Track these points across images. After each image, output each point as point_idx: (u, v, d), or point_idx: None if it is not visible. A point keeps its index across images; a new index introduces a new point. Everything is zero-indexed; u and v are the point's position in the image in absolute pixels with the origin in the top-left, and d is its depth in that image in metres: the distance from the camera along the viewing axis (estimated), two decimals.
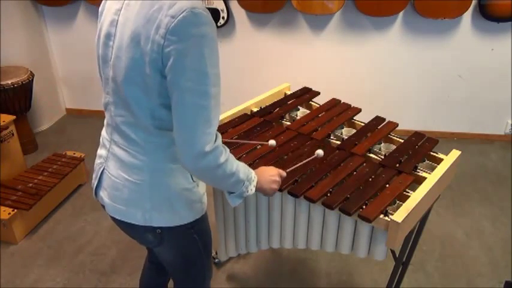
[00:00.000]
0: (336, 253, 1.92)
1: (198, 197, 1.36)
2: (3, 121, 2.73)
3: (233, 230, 2.05)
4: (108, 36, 1.20)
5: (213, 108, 1.12)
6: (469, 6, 2.98)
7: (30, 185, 2.73)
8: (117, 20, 1.17)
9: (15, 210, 2.51)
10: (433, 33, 3.21)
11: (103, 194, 1.36)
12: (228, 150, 1.22)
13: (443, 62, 3.31)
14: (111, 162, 1.31)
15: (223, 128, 1.95)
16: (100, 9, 1.28)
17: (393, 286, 1.88)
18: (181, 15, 1.06)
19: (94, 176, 1.39)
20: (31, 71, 3.26)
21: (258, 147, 1.84)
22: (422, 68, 3.35)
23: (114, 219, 1.38)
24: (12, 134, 2.82)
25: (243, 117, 2.05)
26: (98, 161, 1.38)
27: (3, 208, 2.52)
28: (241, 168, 1.26)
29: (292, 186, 1.61)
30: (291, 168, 1.58)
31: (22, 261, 2.44)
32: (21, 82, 3.12)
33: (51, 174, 2.84)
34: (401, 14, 3.17)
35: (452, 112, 3.49)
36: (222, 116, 2.04)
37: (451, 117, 3.51)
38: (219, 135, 1.18)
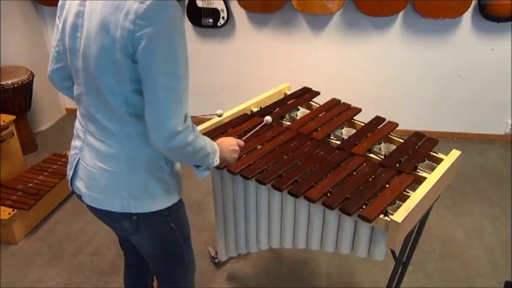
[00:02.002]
0: (336, 253, 1.92)
1: (173, 182, 1.39)
2: (3, 121, 2.73)
3: (233, 230, 2.05)
4: (75, 28, 1.22)
5: (183, 89, 1.18)
6: (469, 6, 2.97)
7: (30, 185, 2.73)
8: (83, 11, 1.20)
9: (15, 210, 2.51)
10: (433, 33, 3.21)
11: (79, 184, 1.38)
12: (196, 127, 1.27)
13: (443, 62, 3.31)
14: (87, 152, 1.34)
15: (223, 128, 1.95)
16: (60, 3, 1.30)
17: (393, 286, 1.88)
18: (149, 1, 1.09)
19: (69, 167, 1.41)
20: (31, 71, 3.26)
21: (259, 147, 1.84)
22: (422, 67, 3.35)
23: (90, 208, 1.40)
24: (12, 134, 2.82)
25: (243, 117, 2.05)
26: (72, 152, 1.40)
27: (3, 208, 2.52)
28: (208, 142, 1.33)
29: (292, 186, 1.61)
30: (245, 137, 1.71)
31: (22, 261, 2.44)
32: (21, 82, 3.12)
33: (51, 174, 2.84)
34: (401, 14, 3.17)
35: (452, 112, 3.49)
36: (222, 116, 2.04)
37: (451, 117, 3.51)
38: (188, 115, 1.23)
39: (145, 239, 1.46)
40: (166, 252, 1.51)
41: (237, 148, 1.51)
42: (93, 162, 1.31)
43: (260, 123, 1.79)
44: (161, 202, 1.37)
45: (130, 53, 1.13)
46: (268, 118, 1.77)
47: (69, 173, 1.41)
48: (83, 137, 1.35)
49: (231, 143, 1.49)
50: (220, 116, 1.88)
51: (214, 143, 1.38)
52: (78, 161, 1.37)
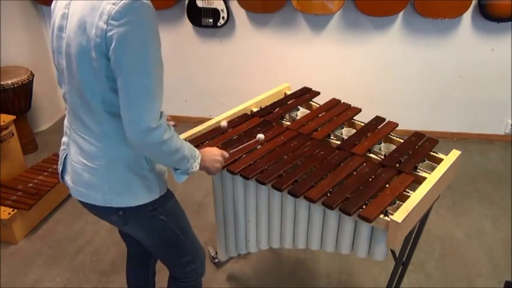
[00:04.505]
0: (336, 253, 1.92)
1: (154, 178, 1.42)
2: (3, 121, 2.73)
3: (233, 230, 2.05)
4: (61, 29, 1.28)
5: (155, 87, 1.21)
6: (469, 6, 2.97)
7: (30, 185, 2.73)
8: (68, 13, 1.26)
9: (15, 210, 2.51)
10: (433, 33, 3.21)
11: (67, 178, 1.45)
12: (172, 128, 1.30)
13: (443, 62, 3.30)
14: (72, 148, 1.40)
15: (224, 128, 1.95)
16: (52, 7, 1.35)
17: (393, 286, 1.88)
18: (122, 2, 1.14)
19: (59, 162, 1.49)
20: (31, 71, 3.26)
21: (258, 147, 1.84)
22: (422, 68, 3.35)
23: (81, 202, 1.45)
24: (12, 134, 2.82)
25: (243, 117, 2.05)
26: (61, 147, 1.47)
27: (3, 208, 2.52)
28: (186, 146, 1.37)
29: (292, 186, 1.61)
30: (232, 150, 1.74)
31: (22, 261, 2.44)
32: (21, 82, 3.12)
33: (51, 174, 2.84)
34: (401, 14, 3.17)
35: (452, 112, 3.49)
36: (222, 116, 2.04)
37: (451, 117, 3.51)
38: (164, 114, 1.26)
39: (137, 231, 1.51)
40: (166, 244, 1.55)
41: (220, 159, 1.55)
42: (77, 158, 1.38)
43: (253, 140, 1.80)
44: (142, 197, 1.40)
45: (104, 52, 1.18)
46: (260, 136, 1.77)
47: (59, 167, 1.49)
48: (69, 133, 1.42)
49: (214, 153, 1.53)
50: (224, 127, 1.90)
51: (196, 150, 1.42)
52: (66, 156, 1.44)
